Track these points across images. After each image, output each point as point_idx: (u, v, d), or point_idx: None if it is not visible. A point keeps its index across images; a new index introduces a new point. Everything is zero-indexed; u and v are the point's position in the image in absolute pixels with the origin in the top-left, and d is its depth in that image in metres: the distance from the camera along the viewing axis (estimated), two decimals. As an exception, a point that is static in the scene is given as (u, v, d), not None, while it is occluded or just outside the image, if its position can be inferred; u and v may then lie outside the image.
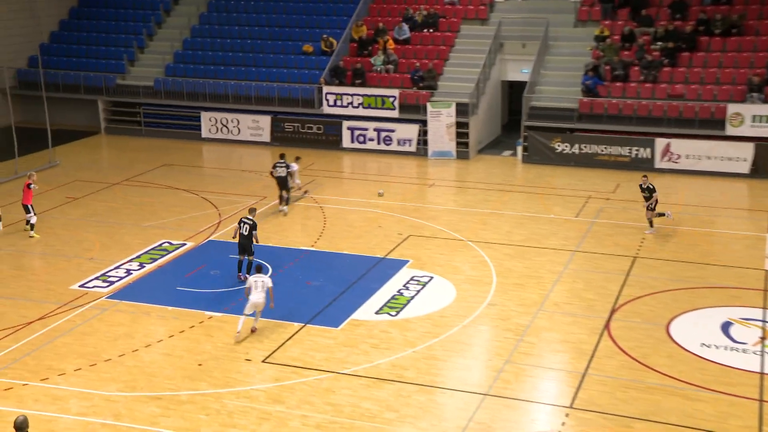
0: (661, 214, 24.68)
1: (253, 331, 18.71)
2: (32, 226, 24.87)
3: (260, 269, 18.99)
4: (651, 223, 24.75)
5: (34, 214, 24.89)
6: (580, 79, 32.97)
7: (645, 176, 25.00)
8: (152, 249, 23.95)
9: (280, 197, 26.82)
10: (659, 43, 33.18)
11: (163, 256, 23.46)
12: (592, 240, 24.29)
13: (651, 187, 24.42)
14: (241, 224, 21.32)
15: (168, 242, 24.43)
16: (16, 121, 32.73)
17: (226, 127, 35.86)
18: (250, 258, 21.36)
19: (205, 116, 36.06)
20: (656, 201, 24.44)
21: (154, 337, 18.82)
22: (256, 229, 21.40)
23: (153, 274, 22.32)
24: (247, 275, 20.58)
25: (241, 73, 36.66)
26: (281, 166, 26.69)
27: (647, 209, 24.65)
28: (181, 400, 16.27)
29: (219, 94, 36.10)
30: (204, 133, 36.18)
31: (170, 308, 20.22)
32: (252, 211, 21.97)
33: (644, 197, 24.68)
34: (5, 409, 15.98)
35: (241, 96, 35.87)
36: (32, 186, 24.92)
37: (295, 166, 27.63)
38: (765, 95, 30.47)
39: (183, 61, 38.06)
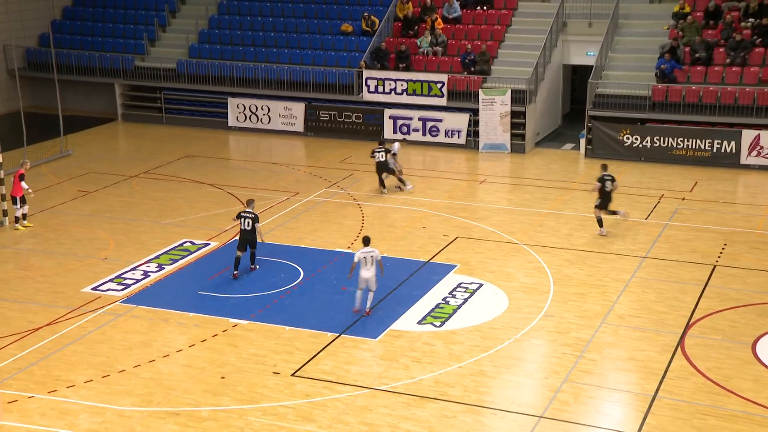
0: (613, 213, 24.84)
1: (367, 313, 19.98)
2: (17, 219, 25.44)
3: (367, 242, 19.86)
4: (600, 223, 24.88)
5: (20, 207, 25.28)
6: (655, 63, 32.64)
7: (604, 165, 25.15)
8: (172, 249, 24.17)
9: (380, 181, 28.63)
10: (751, 19, 32.65)
11: (184, 257, 23.66)
12: (664, 245, 24.05)
13: (603, 177, 24.43)
14: (242, 219, 21.84)
15: (190, 242, 24.65)
16: (25, 105, 33.09)
17: (256, 115, 36.06)
18: (253, 250, 22.26)
19: (232, 103, 36.32)
20: (603, 193, 24.38)
21: (173, 347, 18.96)
22: (258, 222, 21.94)
23: (173, 277, 22.51)
24: (253, 267, 22.49)
25: (273, 55, 36.80)
26: (379, 152, 28.27)
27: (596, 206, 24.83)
28: (201, 416, 16.39)
29: (248, 78, 36.28)
30: (231, 122, 36.46)
31: (191, 315, 20.37)
32: (250, 203, 22.38)
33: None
34: (8, 423, 16.21)
35: (272, 80, 36.02)
36: (25, 188, 25.21)
37: (397, 146, 29.23)
38: None
39: (209, 41, 38.33)
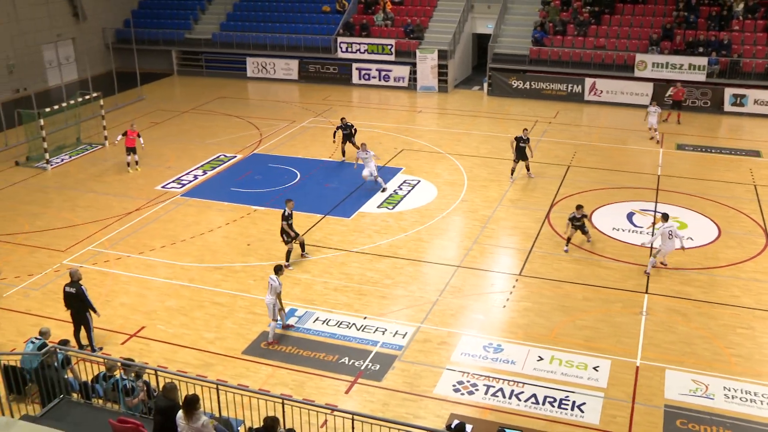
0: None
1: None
2: (128, 164, 22.74)
3: (276, 269, 13.82)
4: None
5: (131, 156, 22.59)
6: (531, 33, 32.13)
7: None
8: (212, 160, 23.70)
9: (527, 167, 21.54)
10: (588, 7, 32.51)
11: (220, 165, 23.24)
12: (538, 152, 23.88)
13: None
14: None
15: (223, 155, 24.16)
16: (116, 67, 32.37)
17: (265, 69, 35.10)
18: (287, 246, 16.46)
19: (249, 61, 35.22)
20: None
21: (215, 225, 18.79)
22: (284, 220, 16.30)
23: (213, 179, 22.16)
24: (303, 254, 16.78)
25: (276, 27, 35.66)
26: (521, 139, 21.19)
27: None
28: (235, 269, 16.33)
29: (260, 43, 35.17)
30: (249, 73, 35.40)
31: (226, 203, 20.15)
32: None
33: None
34: (117, 272, 16.13)
35: (276, 45, 34.98)
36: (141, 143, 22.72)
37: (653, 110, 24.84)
38: (661, 48, 30.07)
39: (233, 19, 36.98)
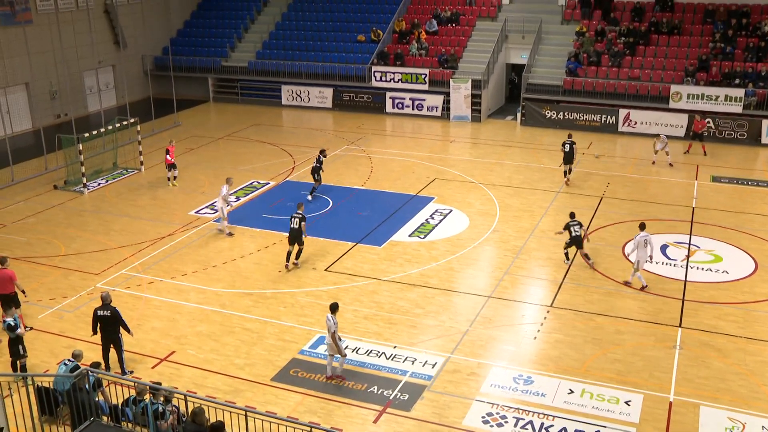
0: (585, 256, 18.06)
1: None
2: (168, 179, 24.01)
3: (332, 308, 13.30)
4: (566, 256, 18.31)
5: (170, 171, 23.79)
6: (565, 63, 32.14)
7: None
8: (245, 186, 24.03)
9: (566, 172, 23.31)
10: (623, 38, 32.42)
11: (253, 191, 23.54)
12: (571, 184, 23.85)
13: (569, 223, 17.86)
14: (291, 219, 17.76)
15: (257, 181, 24.49)
16: (153, 93, 33.07)
17: (300, 96, 35.62)
18: (300, 247, 17.78)
19: (284, 88, 35.80)
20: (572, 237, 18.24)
21: (248, 251, 18.99)
22: (305, 221, 17.71)
23: (246, 205, 22.45)
24: (296, 262, 17.78)
25: (311, 56, 36.21)
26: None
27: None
28: (266, 296, 16.47)
29: (295, 71, 35.75)
30: (283, 101, 35.95)
31: (258, 230, 20.36)
32: (299, 205, 17.99)
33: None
34: (149, 296, 16.33)
35: (311, 73, 35.52)
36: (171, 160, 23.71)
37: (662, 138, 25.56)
38: (697, 79, 29.87)
39: (269, 47, 37.68)
